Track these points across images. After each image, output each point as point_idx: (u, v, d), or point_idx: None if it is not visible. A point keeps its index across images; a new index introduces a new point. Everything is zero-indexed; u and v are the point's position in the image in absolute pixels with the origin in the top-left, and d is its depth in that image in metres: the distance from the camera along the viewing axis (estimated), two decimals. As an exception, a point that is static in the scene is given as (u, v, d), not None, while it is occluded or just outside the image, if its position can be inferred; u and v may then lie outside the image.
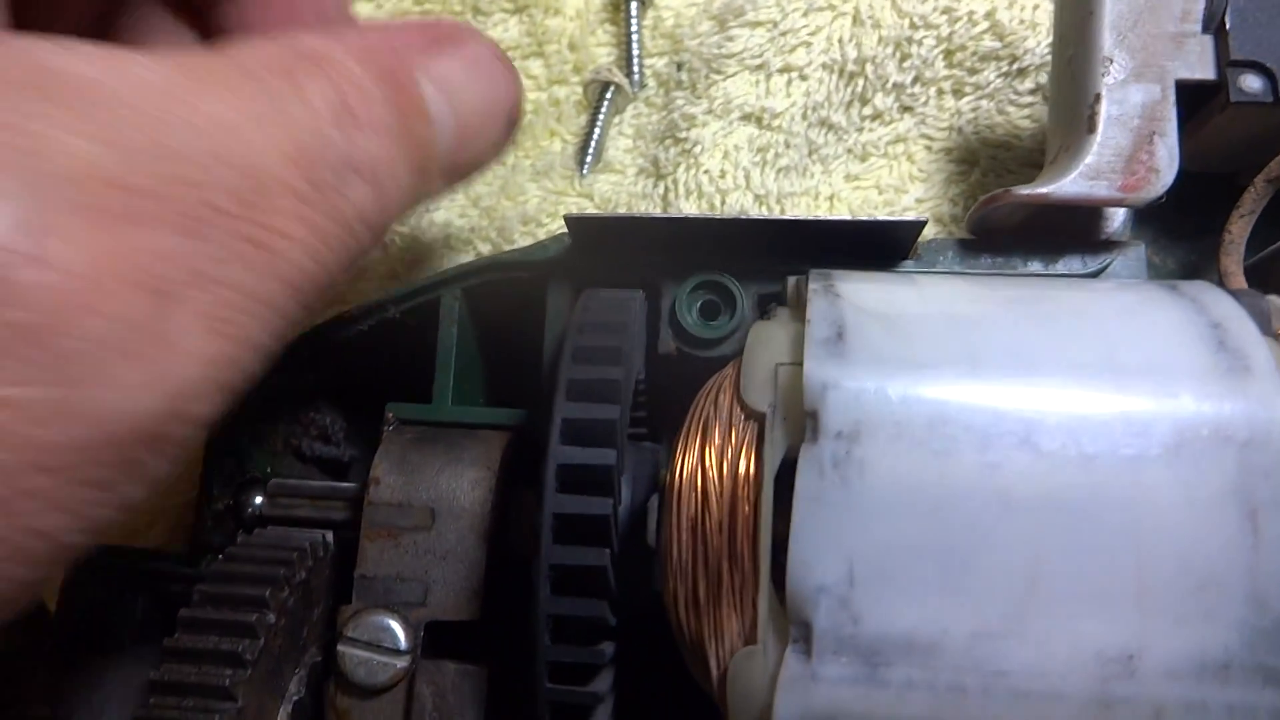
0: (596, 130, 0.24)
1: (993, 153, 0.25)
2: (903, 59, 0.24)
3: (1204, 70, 0.18)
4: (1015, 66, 0.24)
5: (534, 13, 0.25)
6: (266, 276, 0.13)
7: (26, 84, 0.12)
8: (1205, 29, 0.18)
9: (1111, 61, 0.18)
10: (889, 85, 0.24)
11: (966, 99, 0.25)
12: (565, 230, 0.18)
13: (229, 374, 0.13)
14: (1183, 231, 0.21)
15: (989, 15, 0.24)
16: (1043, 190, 0.18)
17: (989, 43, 0.24)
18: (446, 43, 0.17)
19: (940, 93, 0.24)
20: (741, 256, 0.18)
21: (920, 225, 0.17)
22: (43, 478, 0.11)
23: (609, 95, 0.24)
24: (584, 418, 0.14)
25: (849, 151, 0.24)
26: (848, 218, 0.18)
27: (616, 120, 0.25)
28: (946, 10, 0.24)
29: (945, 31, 0.24)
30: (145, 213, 0.12)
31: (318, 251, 0.14)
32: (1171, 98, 0.18)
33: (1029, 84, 0.24)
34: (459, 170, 0.17)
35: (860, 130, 0.24)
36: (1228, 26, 0.18)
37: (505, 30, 0.26)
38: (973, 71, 0.24)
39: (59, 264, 0.11)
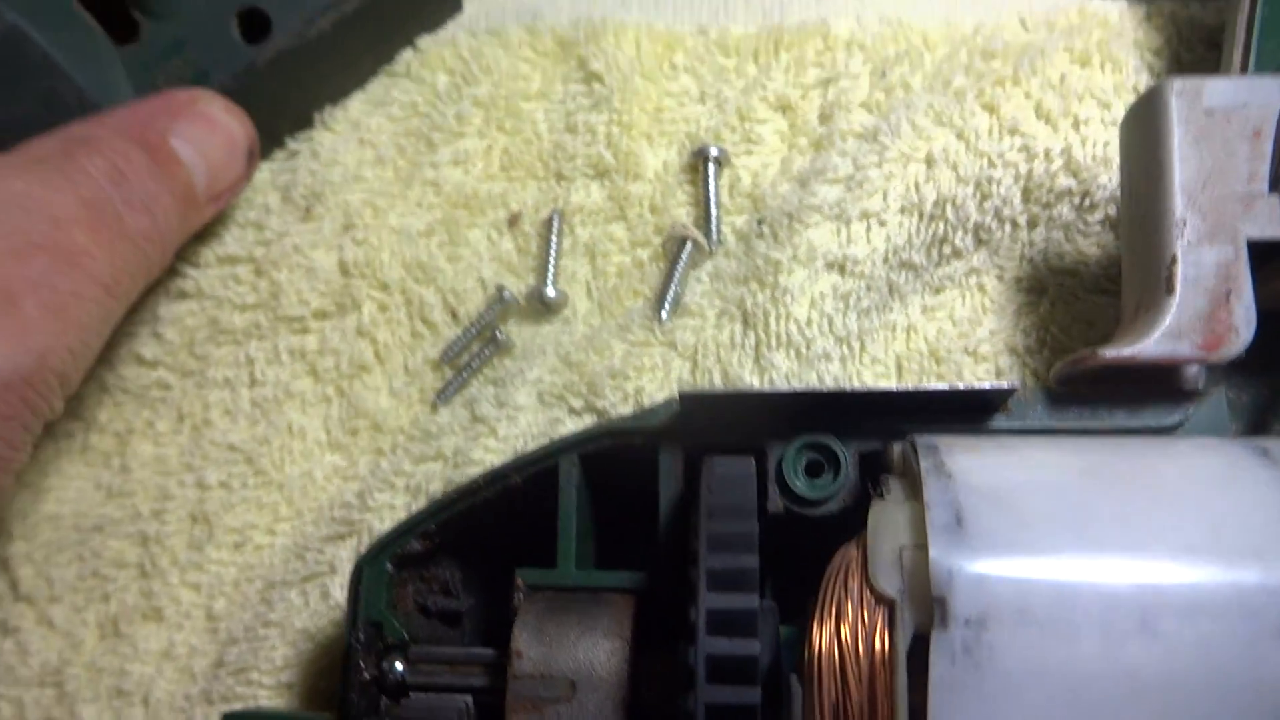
0: (675, 281, 0.27)
1: (1061, 280, 0.27)
2: (983, 198, 0.26)
3: (1274, 229, 0.20)
4: (1087, 201, 0.26)
5: (615, 178, 0.28)
6: (79, 279, 0.21)
7: None
8: (1273, 188, 0.20)
9: (1185, 224, 0.20)
10: (970, 224, 0.26)
11: (1038, 230, 0.27)
12: (648, 381, 0.21)
13: (71, 340, 0.21)
14: (1258, 368, 0.22)
15: (1064, 152, 0.26)
16: (1128, 352, 0.20)
17: (1064, 180, 0.26)
18: (183, 108, 0.25)
19: (1015, 226, 0.27)
20: (843, 416, 0.20)
21: (1010, 392, 0.19)
22: None
23: (687, 250, 0.27)
24: (728, 608, 0.17)
25: (925, 285, 0.27)
26: (945, 387, 0.21)
27: (693, 270, 0.27)
28: (1024, 148, 0.26)
29: (1024, 169, 0.26)
30: None
31: (113, 260, 0.22)
32: (1244, 257, 0.20)
33: (1099, 215, 0.27)
34: (220, 195, 0.26)
35: (938, 265, 0.27)
36: (1296, 187, 0.20)
37: (588, 195, 0.28)
38: (1047, 206, 0.26)
39: None
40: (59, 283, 0.21)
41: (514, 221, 0.28)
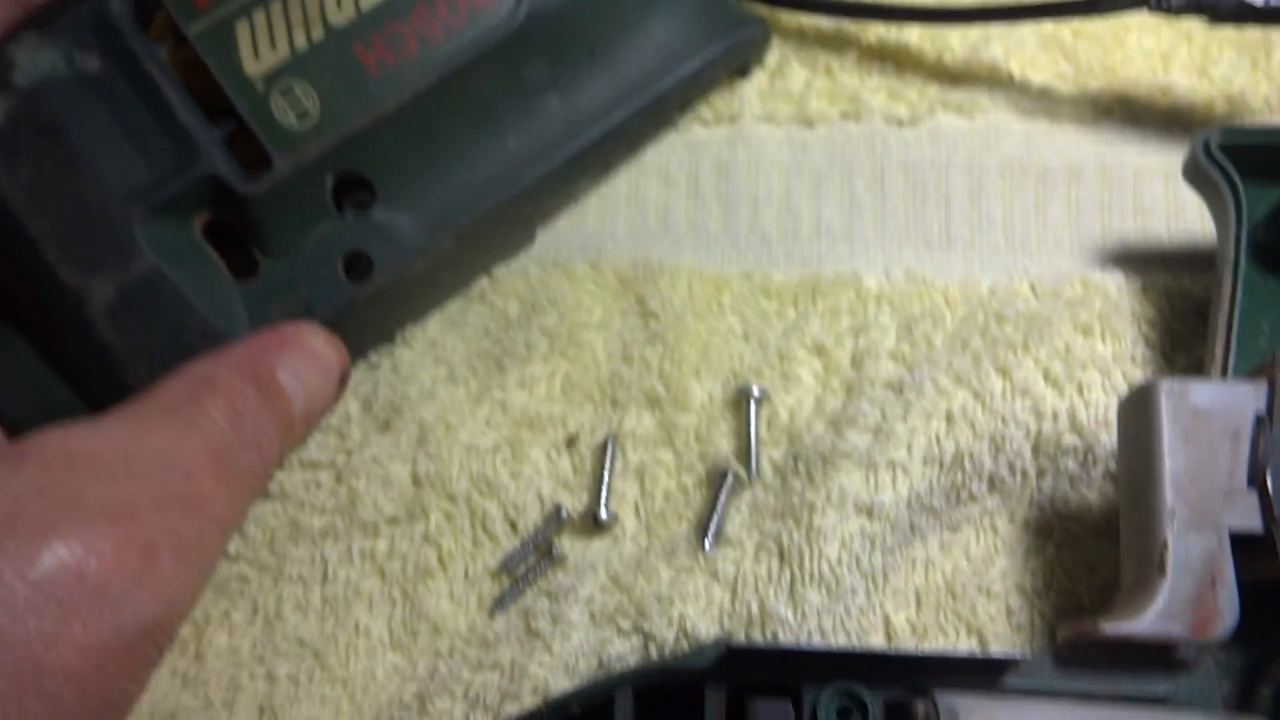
0: (718, 512, 0.30)
1: (1066, 524, 0.30)
2: (997, 451, 0.30)
3: (1252, 522, 0.23)
4: (1090, 456, 0.30)
5: (665, 407, 0.31)
6: (204, 524, 0.24)
7: (60, 461, 0.23)
8: (1250, 483, 0.24)
9: (1174, 514, 0.23)
10: (985, 474, 0.30)
11: (1046, 479, 0.30)
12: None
13: (194, 583, 0.24)
14: (1245, 637, 0.25)
15: (1070, 414, 0.30)
16: (1125, 629, 0.23)
17: (1069, 438, 0.30)
18: (290, 342, 0.28)
19: (1025, 476, 0.30)
20: (873, 666, 0.23)
21: (1015, 663, 0.22)
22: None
23: (729, 482, 0.30)
24: None
25: (944, 524, 0.30)
26: (964, 654, 0.24)
27: (733, 502, 0.30)
28: (1034, 409, 0.30)
29: (1034, 428, 0.30)
30: (138, 509, 0.23)
31: (230, 501, 0.25)
32: (1227, 546, 0.23)
33: (1100, 469, 0.30)
34: (311, 420, 0.29)
35: (955, 507, 0.30)
36: (1270, 489, 0.23)
37: (640, 421, 0.31)
38: (1055, 459, 0.30)
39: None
40: (188, 530, 0.24)
41: (571, 443, 0.31)
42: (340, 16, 0.28)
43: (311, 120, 0.28)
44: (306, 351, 0.28)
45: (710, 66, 0.33)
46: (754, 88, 0.36)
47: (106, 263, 0.27)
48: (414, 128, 0.29)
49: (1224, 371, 0.27)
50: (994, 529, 0.30)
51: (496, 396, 0.32)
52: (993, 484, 0.30)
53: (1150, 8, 0.30)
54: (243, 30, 0.28)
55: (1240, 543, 0.23)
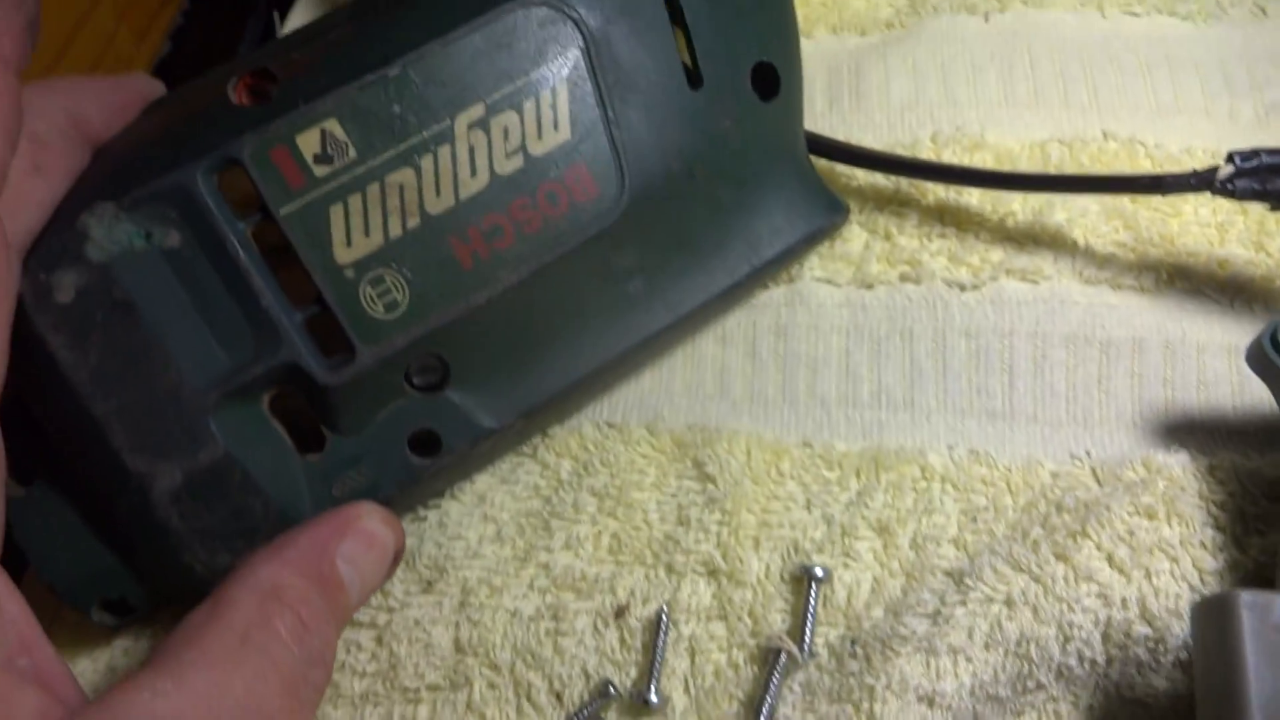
0: (770, 694, 0.29)
1: (1132, 710, 0.29)
2: (1065, 640, 0.29)
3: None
4: (1161, 646, 0.29)
5: (721, 579, 0.31)
6: None
7: None
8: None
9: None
10: (1053, 663, 0.29)
11: (1115, 666, 0.29)
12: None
13: None
14: None
15: (1139, 601, 0.29)
16: None
17: (1140, 627, 0.29)
18: (349, 526, 0.27)
19: (1094, 664, 0.29)
20: None
21: None
22: None
23: (782, 661, 0.29)
24: None
25: (1008, 710, 0.29)
26: None
27: (786, 681, 0.30)
28: (1101, 595, 0.29)
29: (1102, 615, 0.29)
30: None
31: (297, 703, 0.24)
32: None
33: (1171, 657, 0.29)
34: (363, 603, 0.28)
35: (1021, 695, 0.29)
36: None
37: (695, 591, 0.31)
38: (1124, 648, 0.29)
39: None
40: None
41: (620, 614, 0.31)
42: (439, 205, 0.27)
43: (399, 311, 0.27)
44: (366, 537, 0.27)
45: (793, 252, 0.33)
46: (811, 260, 0.36)
47: (175, 449, 0.26)
48: (499, 317, 0.29)
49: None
50: (1057, 714, 0.29)
51: (541, 559, 0.32)
52: (1060, 673, 0.29)
53: (1213, 191, 0.30)
54: (337, 215, 0.27)
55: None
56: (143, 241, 0.26)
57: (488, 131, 0.27)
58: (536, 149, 0.28)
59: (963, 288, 0.35)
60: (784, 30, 0.33)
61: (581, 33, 0.28)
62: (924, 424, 0.33)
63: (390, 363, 0.28)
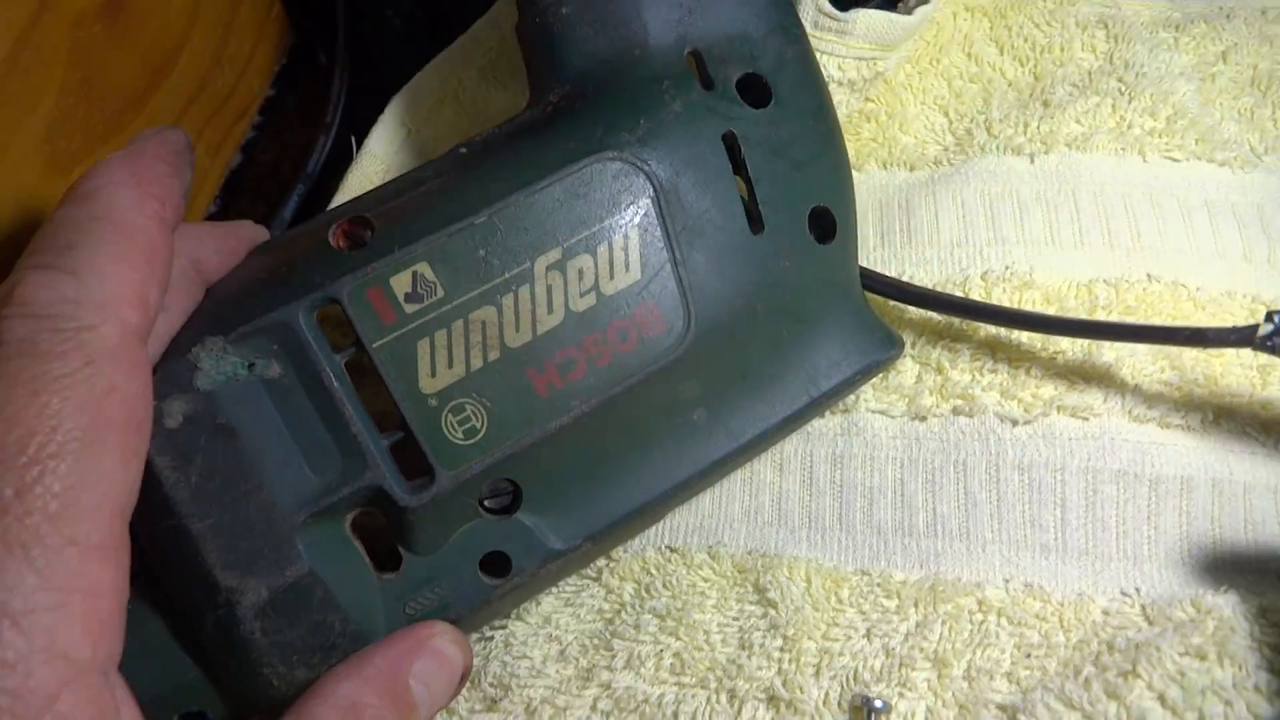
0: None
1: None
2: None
3: None
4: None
5: (780, 705, 0.32)
6: None
7: None
8: None
9: None
10: None
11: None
12: None
13: None
14: None
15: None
16: None
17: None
18: (422, 646, 0.29)
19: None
20: None
21: None
22: None
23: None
24: None
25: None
26: None
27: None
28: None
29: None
30: None
31: None
32: None
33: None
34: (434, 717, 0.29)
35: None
36: None
37: (755, 717, 0.32)
38: (1171, 788, 0.30)
39: None
40: None
41: None
42: (517, 340, 0.29)
43: (478, 437, 0.29)
44: (437, 657, 0.29)
45: (850, 384, 0.35)
46: (865, 390, 0.37)
47: (263, 566, 0.28)
48: (570, 444, 0.30)
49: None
50: None
51: (603, 679, 0.33)
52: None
53: (1254, 348, 0.32)
54: (423, 348, 0.29)
55: None
56: (245, 372, 0.28)
57: (564, 273, 0.30)
58: (609, 288, 0.30)
59: (1015, 422, 0.36)
60: (839, 177, 0.35)
61: (652, 184, 0.30)
62: (979, 554, 0.34)
63: (467, 486, 0.29)
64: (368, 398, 0.29)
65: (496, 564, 0.31)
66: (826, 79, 0.38)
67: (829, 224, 0.34)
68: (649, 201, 0.30)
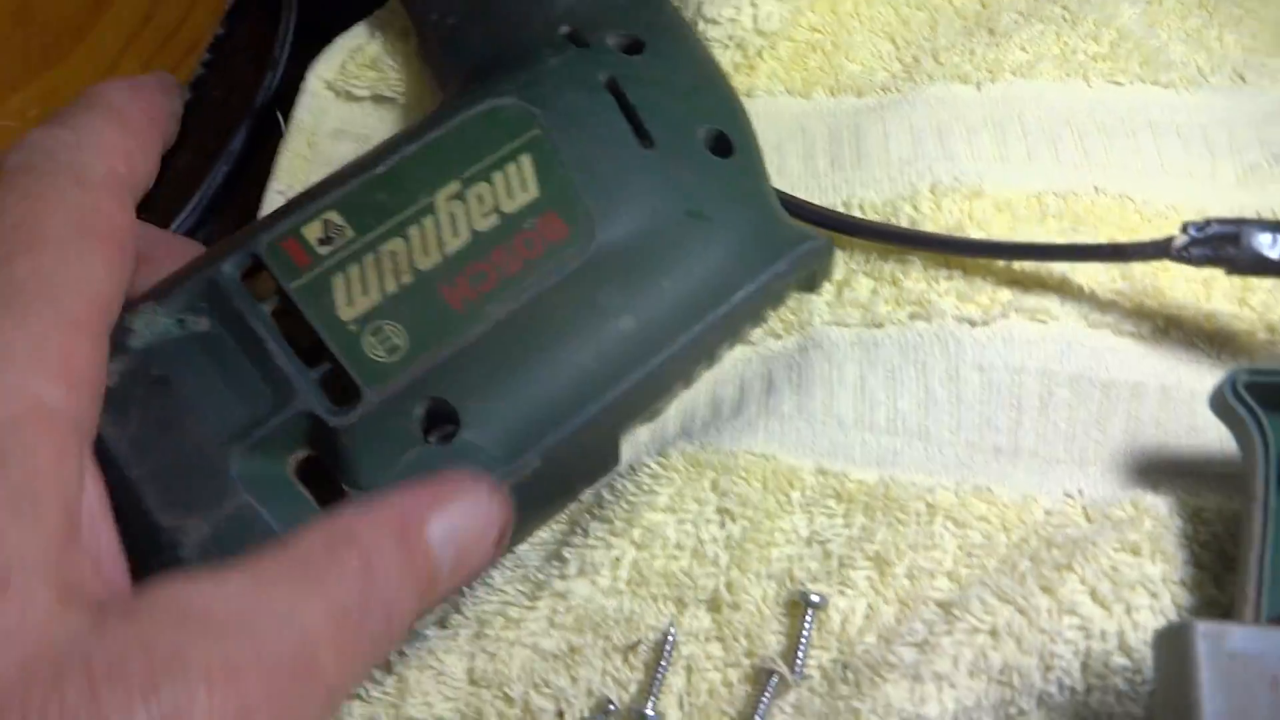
0: (759, 714, 0.31)
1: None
2: (1046, 669, 0.30)
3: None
4: (1139, 676, 0.30)
5: (725, 607, 0.33)
6: (311, 691, 0.23)
7: (172, 618, 0.23)
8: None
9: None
10: (1034, 690, 0.30)
11: (1094, 695, 0.30)
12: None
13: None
14: None
15: (1119, 634, 0.30)
16: None
17: (1119, 659, 0.30)
18: (450, 494, 0.27)
19: (1074, 691, 0.30)
20: None
21: None
22: None
23: (773, 682, 0.31)
24: None
25: (993, 740, 0.30)
26: None
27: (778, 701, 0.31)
28: (1082, 628, 0.31)
29: (1082, 646, 0.30)
30: (242, 672, 0.22)
31: (344, 668, 0.24)
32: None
33: (1148, 686, 0.30)
34: (460, 581, 0.28)
35: (1004, 721, 0.30)
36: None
37: (697, 618, 0.33)
38: (1103, 678, 0.30)
39: None
40: (292, 695, 0.23)
41: (633, 648, 0.32)
42: (427, 262, 0.32)
43: (400, 353, 0.31)
44: (467, 509, 0.27)
45: (776, 280, 0.36)
46: (821, 300, 0.38)
47: (202, 503, 0.28)
48: (497, 356, 0.32)
49: (1257, 612, 0.27)
50: (1043, 741, 0.30)
51: (558, 588, 0.33)
52: (1041, 700, 0.30)
53: (1171, 258, 0.32)
54: (338, 282, 0.31)
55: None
56: (177, 328, 0.30)
57: (465, 201, 0.33)
58: (509, 206, 0.33)
59: (973, 324, 0.36)
60: (727, 102, 0.38)
61: (542, 118, 0.34)
62: (936, 455, 0.35)
63: (395, 404, 0.30)
64: (295, 337, 0.31)
65: None
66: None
67: (725, 143, 0.36)
68: (539, 131, 0.33)
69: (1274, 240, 0.32)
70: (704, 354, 0.36)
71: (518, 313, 0.32)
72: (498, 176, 0.33)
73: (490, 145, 0.33)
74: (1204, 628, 0.25)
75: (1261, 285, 0.37)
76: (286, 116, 0.44)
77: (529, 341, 0.32)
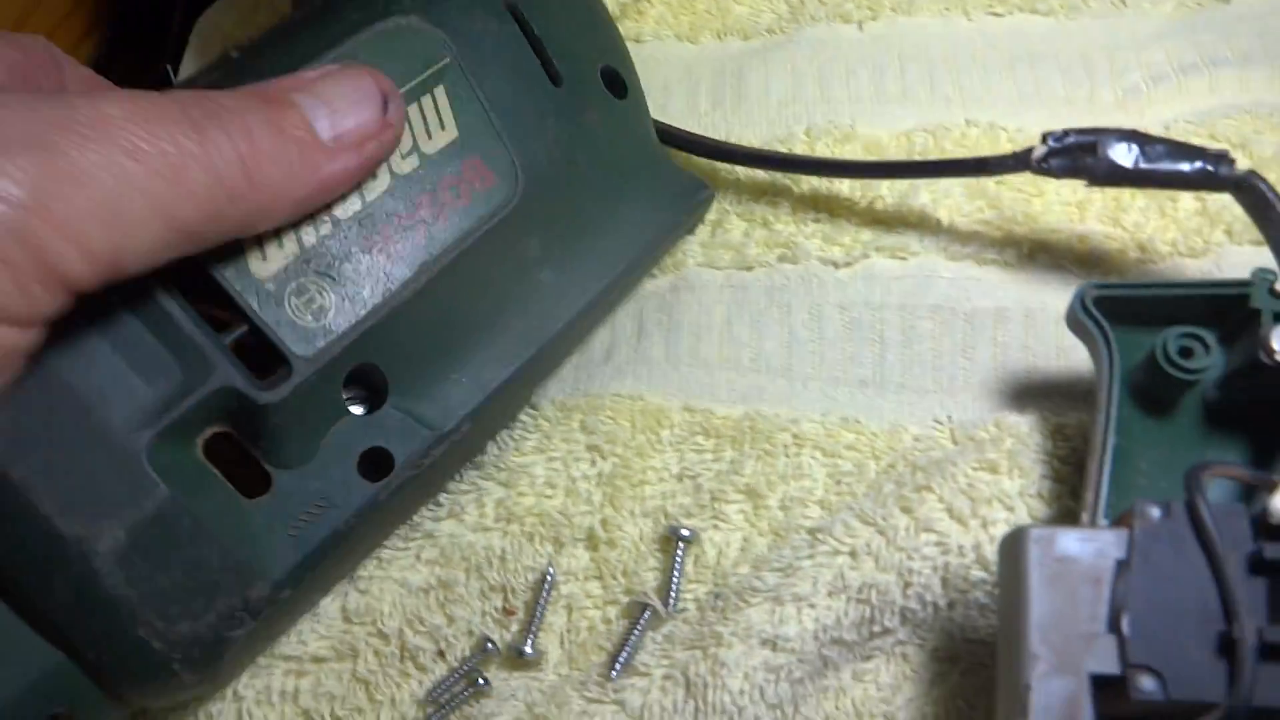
0: (629, 644, 0.31)
1: (973, 650, 0.31)
2: (906, 585, 0.31)
3: (1110, 665, 0.24)
4: (998, 590, 0.31)
5: (600, 545, 0.33)
6: (164, 223, 0.23)
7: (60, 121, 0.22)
8: (1109, 629, 0.25)
9: (1038, 658, 0.25)
10: (896, 607, 0.31)
11: (957, 609, 0.31)
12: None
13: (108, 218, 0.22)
14: None
15: (976, 548, 0.31)
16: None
17: (976, 572, 0.31)
18: (313, 75, 0.26)
19: (937, 607, 0.31)
20: None
21: None
22: None
23: (645, 615, 0.32)
24: None
25: (857, 654, 0.31)
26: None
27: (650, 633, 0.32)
28: (940, 544, 0.31)
29: (941, 562, 0.31)
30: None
31: (204, 213, 0.23)
32: (1086, 688, 0.24)
33: (1010, 597, 0.31)
34: (356, 144, 0.27)
35: (869, 640, 0.31)
36: (1124, 632, 0.24)
37: (575, 558, 0.33)
38: (964, 592, 0.31)
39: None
40: (131, 210, 0.22)
41: (510, 612, 0.33)
42: (346, 210, 0.28)
43: (328, 316, 0.27)
44: (333, 76, 0.27)
45: (675, 229, 0.36)
46: (696, 240, 0.38)
47: (113, 503, 0.24)
48: (423, 314, 0.29)
49: (1094, 516, 0.28)
50: (904, 657, 0.31)
51: (427, 528, 0.34)
52: (904, 616, 0.31)
53: (1032, 170, 0.33)
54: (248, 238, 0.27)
55: (1101, 684, 0.25)
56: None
57: None
58: (429, 148, 0.30)
59: (836, 265, 0.37)
60: (618, 42, 0.36)
61: (449, 41, 0.30)
62: (800, 390, 0.35)
63: (328, 374, 0.27)
64: (200, 300, 0.26)
65: (377, 462, 0.29)
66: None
67: (619, 82, 0.35)
68: (450, 58, 0.30)
69: (1129, 149, 0.32)
70: (611, 302, 0.36)
71: (446, 269, 0.29)
72: (412, 110, 0.29)
73: (401, 70, 0.29)
74: (1036, 533, 0.26)
75: (1134, 204, 0.37)
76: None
77: (458, 300, 0.30)
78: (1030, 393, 0.35)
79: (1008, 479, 0.32)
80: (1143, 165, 0.30)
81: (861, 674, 0.31)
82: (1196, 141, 0.37)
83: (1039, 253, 0.37)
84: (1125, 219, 0.37)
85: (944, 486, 0.32)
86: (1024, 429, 0.33)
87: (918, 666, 0.31)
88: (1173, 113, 0.39)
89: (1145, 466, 0.29)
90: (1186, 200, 0.37)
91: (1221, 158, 0.30)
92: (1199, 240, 0.36)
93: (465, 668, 0.32)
